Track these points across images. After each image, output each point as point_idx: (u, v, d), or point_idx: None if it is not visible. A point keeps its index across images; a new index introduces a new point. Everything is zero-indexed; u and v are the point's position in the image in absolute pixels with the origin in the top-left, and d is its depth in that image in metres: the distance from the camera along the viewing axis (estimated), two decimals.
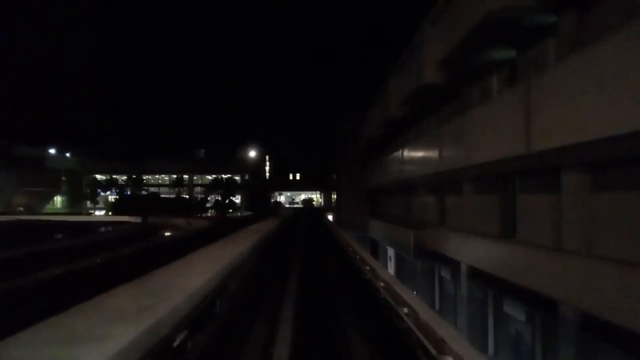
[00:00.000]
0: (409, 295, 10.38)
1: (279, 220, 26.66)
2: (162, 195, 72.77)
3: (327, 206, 67.75)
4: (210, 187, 67.23)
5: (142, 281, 7.01)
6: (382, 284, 11.69)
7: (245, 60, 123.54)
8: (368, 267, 13.50)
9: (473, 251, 14.42)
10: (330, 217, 44.17)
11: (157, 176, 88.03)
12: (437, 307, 21.02)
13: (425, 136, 19.34)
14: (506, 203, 13.40)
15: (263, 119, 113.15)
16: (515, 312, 12.75)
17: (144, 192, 66.48)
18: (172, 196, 70.46)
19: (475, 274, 14.73)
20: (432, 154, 17.16)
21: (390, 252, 32.57)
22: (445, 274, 19.29)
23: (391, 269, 31.62)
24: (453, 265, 17.32)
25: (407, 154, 22.10)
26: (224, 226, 24.97)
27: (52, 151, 78.66)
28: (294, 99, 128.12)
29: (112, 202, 61.51)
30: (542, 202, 10.91)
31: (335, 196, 46.87)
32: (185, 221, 32.24)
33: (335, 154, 42.34)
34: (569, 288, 9.14)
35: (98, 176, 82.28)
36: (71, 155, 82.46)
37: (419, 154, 19.90)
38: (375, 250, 36.17)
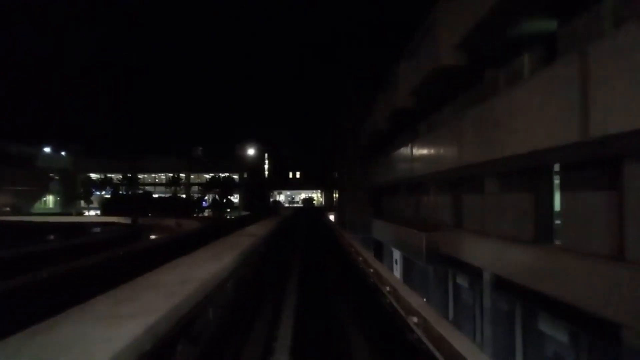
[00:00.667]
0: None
1: (277, 221, 24.84)
2: (157, 195, 71.02)
3: (328, 205, 65.91)
4: (207, 186, 65.34)
5: None
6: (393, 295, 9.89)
7: (243, 57, 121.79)
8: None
9: (499, 258, 12.57)
10: (332, 217, 42.33)
11: (153, 175, 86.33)
12: (450, 317, 19.18)
13: (439, 128, 17.46)
14: (541, 202, 11.54)
15: (262, 117, 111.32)
16: (554, 331, 10.90)
17: (138, 192, 64.54)
18: (167, 195, 68.60)
19: (501, 283, 12.88)
20: (449, 147, 15.30)
21: (397, 254, 30.74)
22: (462, 281, 17.44)
23: (397, 273, 29.84)
24: (472, 272, 15.48)
25: (418, 148, 20.23)
26: (214, 229, 23.14)
27: (47, 150, 76.94)
28: (293, 94, 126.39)
29: (103, 202, 59.50)
30: (594, 201, 9.04)
31: (337, 195, 45.02)
32: (175, 222, 30.41)
33: (337, 151, 40.50)
34: (635, 308, 7.31)
35: (93, 175, 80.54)
36: (65, 153, 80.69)
37: (432, 148, 18.03)
38: (380, 252, 34.37)
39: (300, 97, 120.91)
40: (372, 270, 15.00)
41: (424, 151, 19.08)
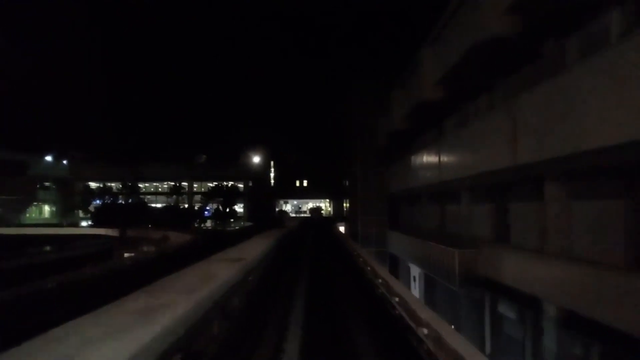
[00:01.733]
0: None
1: (280, 235, 21.81)
2: (159, 205, 68.39)
3: (338, 215, 62.73)
4: (209, 195, 62.43)
5: None
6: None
7: (246, 58, 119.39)
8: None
9: (574, 287, 9.44)
10: (342, 229, 39.19)
11: (156, 184, 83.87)
12: (487, 352, 15.93)
13: (477, 121, 14.38)
14: None
15: (267, 122, 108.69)
16: None
17: (132, 201, 61.85)
18: (162, 205, 65.87)
19: (576, 320, 9.73)
20: (494, 144, 12.24)
21: (415, 271, 27.54)
22: (507, 311, 14.24)
23: (416, 292, 26.63)
24: (523, 301, 12.34)
25: (445, 149, 17.18)
26: (200, 246, 20.22)
27: (45, 157, 74.86)
28: (299, 97, 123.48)
29: (93, 212, 56.66)
30: None
31: (347, 204, 41.91)
32: (162, 236, 27.56)
33: (348, 157, 37.51)
34: None
35: (93, 184, 78.22)
36: (63, 161, 78.54)
37: (466, 147, 14.97)
38: (395, 267, 31.23)
39: (307, 100, 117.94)
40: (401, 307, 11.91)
41: (455, 151, 16.02)
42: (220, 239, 22.91)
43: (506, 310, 14.32)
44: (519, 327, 13.46)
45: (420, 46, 18.91)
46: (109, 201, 70.09)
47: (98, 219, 47.33)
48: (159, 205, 73.35)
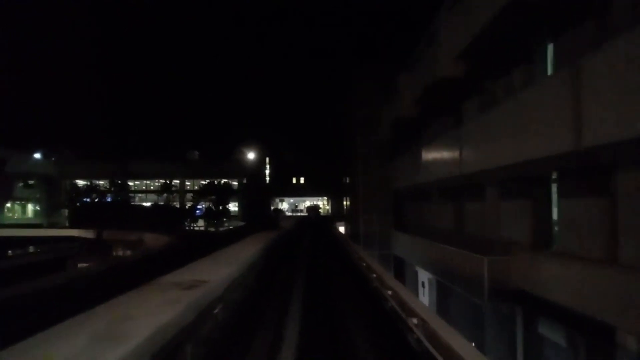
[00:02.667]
0: None
1: (272, 238, 19.13)
2: (146, 203, 65.61)
3: (337, 214, 60.03)
4: (201, 193, 59.60)
5: None
6: None
7: (241, 51, 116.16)
8: None
9: None
10: (342, 229, 36.51)
11: (148, 182, 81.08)
12: None
13: (511, 102, 11.64)
14: None
15: (263, 117, 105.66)
16: None
17: (113, 199, 58.97)
18: (150, 204, 63.04)
19: None
20: (543, 124, 9.55)
21: (423, 275, 24.92)
22: (552, 333, 11.58)
23: (425, 299, 24.04)
24: (576, 323, 9.71)
25: (471, 135, 14.48)
26: (174, 252, 17.48)
27: (33, 155, 71.97)
28: (297, 91, 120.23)
29: (70, 212, 53.55)
30: None
31: (347, 202, 39.24)
32: (137, 238, 24.83)
33: (348, 150, 34.85)
34: None
35: (81, 182, 75.31)
36: (49, 158, 75.62)
37: (499, 131, 12.27)
38: (401, 271, 28.65)
39: (304, 94, 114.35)
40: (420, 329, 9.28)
41: (483, 137, 13.30)
42: (198, 244, 20.17)
43: (550, 332, 11.67)
44: (569, 355, 10.80)
45: (434, 16, 16.20)
46: (96, 199, 67.35)
47: (76, 219, 44.34)
48: (148, 204, 70.90)
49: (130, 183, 77.35)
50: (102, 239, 27.71)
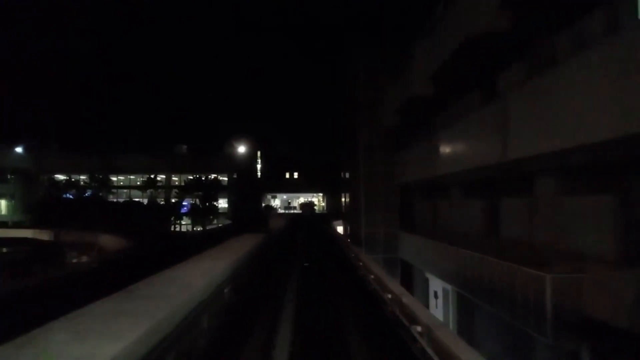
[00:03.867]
0: None
1: (256, 243, 15.51)
2: (131, 200, 61.65)
3: (332, 211, 56.43)
4: (187, 189, 55.80)
5: None
6: None
7: (231, 38, 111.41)
8: None
9: None
10: (340, 229, 32.91)
11: (132, 177, 77.08)
12: None
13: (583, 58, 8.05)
14: None
15: (254, 106, 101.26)
16: None
17: (85, 195, 55.03)
18: (122, 200, 59.14)
19: None
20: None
21: (436, 284, 21.44)
22: None
23: (438, 312, 20.54)
24: None
25: (516, 109, 10.90)
26: (115, 268, 13.90)
27: (18, 149, 67.95)
28: (290, 79, 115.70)
29: (33, 209, 49.33)
30: None
31: (346, 200, 35.68)
32: (92, 240, 21.18)
33: (346, 141, 31.24)
34: None
35: (61, 177, 71.31)
36: (31, 151, 71.66)
37: (547, 107, 8.72)
38: (409, 278, 25.14)
39: (298, 75, 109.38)
40: None
41: (542, 110, 9.72)
42: (149, 256, 16.36)
43: None
44: None
45: None
46: (66, 195, 63.43)
47: (39, 217, 40.25)
48: (137, 200, 67.34)
49: (115, 178, 73.80)
50: (59, 241, 24.04)
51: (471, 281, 13.44)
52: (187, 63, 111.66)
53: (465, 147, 14.55)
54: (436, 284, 21.32)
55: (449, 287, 18.98)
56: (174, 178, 73.39)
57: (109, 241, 20.38)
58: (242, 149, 71.54)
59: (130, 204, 48.82)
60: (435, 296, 21.59)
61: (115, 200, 58.50)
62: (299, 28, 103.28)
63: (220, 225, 54.54)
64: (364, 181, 25.20)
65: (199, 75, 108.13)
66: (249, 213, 45.18)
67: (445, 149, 16.79)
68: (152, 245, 20.04)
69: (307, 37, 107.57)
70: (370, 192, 25.15)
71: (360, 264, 18.20)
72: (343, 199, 37.17)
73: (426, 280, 23.07)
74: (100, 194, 69.76)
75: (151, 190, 66.83)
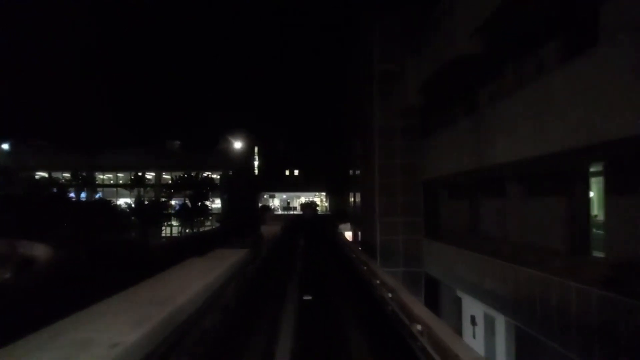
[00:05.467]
0: None
1: (240, 258, 10.86)
2: (123, 201, 57.55)
3: (336, 213, 51.68)
4: (176, 187, 51.38)
5: None
6: None
7: (224, 23, 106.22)
8: None
9: None
10: (348, 234, 28.22)
11: (121, 174, 72.80)
12: None
13: None
14: None
15: (251, 98, 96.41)
16: None
17: (50, 192, 50.62)
18: (100, 199, 54.72)
19: None
20: None
21: (472, 307, 16.87)
22: None
23: (478, 344, 15.96)
24: None
25: None
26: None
27: (4, 146, 63.95)
28: (290, 63, 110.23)
29: None
30: None
31: (354, 199, 31.01)
32: (13, 250, 16.81)
33: (361, 129, 26.62)
34: None
35: (44, 174, 67.39)
36: (17, 148, 68.23)
37: None
38: (434, 297, 20.60)
39: (300, 67, 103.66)
40: None
41: None
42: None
43: None
44: None
45: None
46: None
47: None
48: (123, 201, 63.47)
49: (105, 177, 70.11)
50: None
51: (537, 312, 9.07)
52: (180, 53, 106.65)
53: (541, 123, 9.88)
54: (474, 307, 16.74)
55: (495, 314, 14.43)
56: (165, 176, 68.92)
57: (40, 251, 15.82)
58: (238, 144, 67.10)
59: (99, 203, 44.10)
60: (473, 322, 16.96)
61: (86, 199, 53.98)
62: None
63: (203, 230, 50.05)
64: (379, 177, 20.52)
65: (192, 66, 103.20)
66: (243, 215, 40.65)
67: (503, 129, 12.14)
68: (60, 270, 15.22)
69: (311, 7, 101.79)
70: (387, 191, 20.47)
71: (377, 281, 13.56)
72: (351, 199, 32.48)
73: (457, 301, 18.61)
74: (83, 193, 65.86)
75: (139, 188, 62.65)
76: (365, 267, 15.64)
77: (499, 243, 13.99)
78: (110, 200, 50.46)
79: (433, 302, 20.32)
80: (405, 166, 20.19)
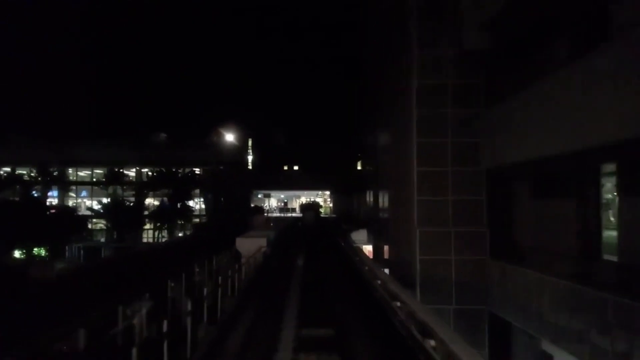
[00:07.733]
0: None
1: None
2: (94, 202, 51.53)
3: (342, 216, 45.08)
4: (152, 185, 45.09)
5: None
6: None
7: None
8: None
9: None
10: (368, 249, 21.45)
11: (99, 170, 66.73)
12: None
13: None
14: None
15: (244, 86, 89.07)
16: None
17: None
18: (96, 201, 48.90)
19: None
20: None
21: None
22: None
23: None
24: None
25: None
26: None
27: None
28: (285, 41, 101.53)
29: None
30: None
31: (371, 200, 24.31)
32: None
33: (383, 101, 20.12)
34: None
35: (8, 170, 61.67)
36: None
37: None
38: (504, 350, 14.09)
39: (295, 36, 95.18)
40: None
41: None
42: None
43: None
44: None
45: None
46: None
47: None
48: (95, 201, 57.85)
49: (83, 173, 64.48)
50: None
51: None
52: (166, 39, 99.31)
53: None
54: None
55: None
56: (149, 173, 62.73)
57: None
58: (230, 136, 60.85)
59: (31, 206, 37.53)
60: None
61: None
62: None
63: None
64: (418, 164, 13.86)
65: (179, 51, 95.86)
66: (230, 218, 34.38)
67: None
68: None
69: None
70: (430, 185, 13.82)
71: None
72: (368, 199, 25.65)
73: (541, 355, 12.43)
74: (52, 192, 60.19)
75: (115, 186, 56.56)
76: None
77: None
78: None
79: (502, 356, 13.79)
80: (459, 147, 13.55)
